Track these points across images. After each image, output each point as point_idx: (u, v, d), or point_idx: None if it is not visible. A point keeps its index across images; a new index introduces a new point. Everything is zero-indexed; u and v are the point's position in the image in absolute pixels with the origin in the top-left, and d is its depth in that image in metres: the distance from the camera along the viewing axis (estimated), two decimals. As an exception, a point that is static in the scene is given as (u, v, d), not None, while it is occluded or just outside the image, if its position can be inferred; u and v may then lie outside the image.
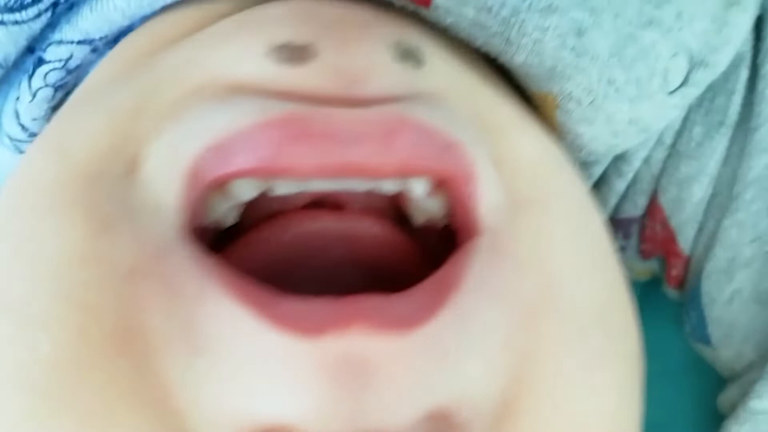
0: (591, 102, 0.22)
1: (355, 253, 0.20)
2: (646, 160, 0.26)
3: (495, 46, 0.22)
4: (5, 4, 0.23)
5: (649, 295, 0.31)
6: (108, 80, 0.21)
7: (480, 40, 0.22)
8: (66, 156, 0.18)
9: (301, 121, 0.17)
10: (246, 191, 0.18)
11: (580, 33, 0.22)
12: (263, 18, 0.20)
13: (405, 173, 0.18)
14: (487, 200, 0.18)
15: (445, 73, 0.19)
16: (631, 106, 0.23)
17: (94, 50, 0.24)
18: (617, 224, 0.27)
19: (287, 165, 0.17)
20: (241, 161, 0.17)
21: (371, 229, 0.20)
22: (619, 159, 0.26)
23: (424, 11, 0.22)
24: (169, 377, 0.16)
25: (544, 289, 0.18)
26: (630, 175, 0.26)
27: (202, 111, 0.18)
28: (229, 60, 0.18)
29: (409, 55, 0.19)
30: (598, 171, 0.26)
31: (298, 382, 0.16)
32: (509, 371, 0.17)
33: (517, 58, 0.22)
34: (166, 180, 0.17)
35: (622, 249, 0.28)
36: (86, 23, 0.23)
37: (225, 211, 0.18)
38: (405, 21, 0.21)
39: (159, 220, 0.17)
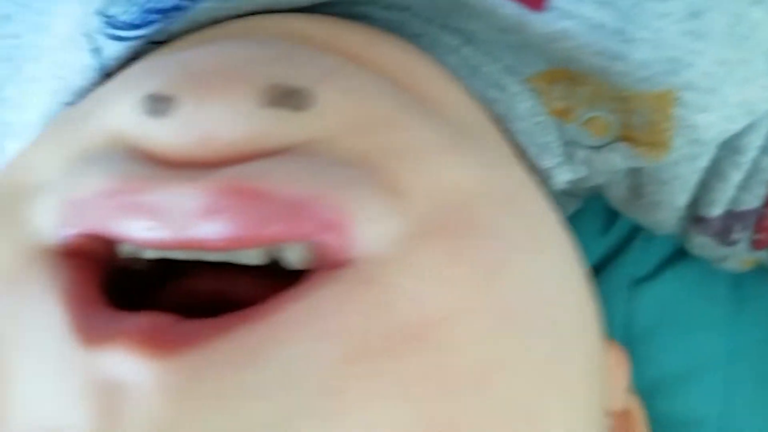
0: (708, 87, 0.22)
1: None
2: (765, 150, 0.25)
3: (610, 51, 0.22)
4: (130, 22, 0.23)
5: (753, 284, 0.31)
6: (57, 121, 0.22)
7: (594, 46, 0.22)
8: (7, 177, 0.20)
9: (133, 193, 0.17)
10: (125, 247, 0.18)
11: (695, 15, 0.22)
12: (142, 68, 0.20)
13: (242, 245, 0.17)
14: (364, 238, 0.17)
15: (338, 111, 0.18)
16: (740, 88, 0.23)
17: None
18: (737, 217, 0.27)
19: (118, 235, 0.17)
20: (77, 226, 0.18)
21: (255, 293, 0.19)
22: (733, 150, 0.25)
23: (533, 16, 0.21)
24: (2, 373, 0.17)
25: (410, 333, 0.16)
26: (746, 166, 0.25)
27: (75, 167, 0.18)
28: (108, 111, 0.19)
29: (286, 98, 0.18)
30: (702, 163, 0.25)
31: (71, 395, 0.16)
32: (317, 418, 0.16)
33: (637, 56, 0.22)
34: (46, 215, 0.18)
35: (736, 242, 0.28)
36: None
37: (130, 258, 0.18)
38: (307, 55, 0.20)
39: (32, 236, 0.18)
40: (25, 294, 0.18)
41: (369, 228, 0.17)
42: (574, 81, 0.24)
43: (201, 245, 0.17)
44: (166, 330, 0.16)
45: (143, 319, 0.16)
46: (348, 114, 0.18)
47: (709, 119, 0.23)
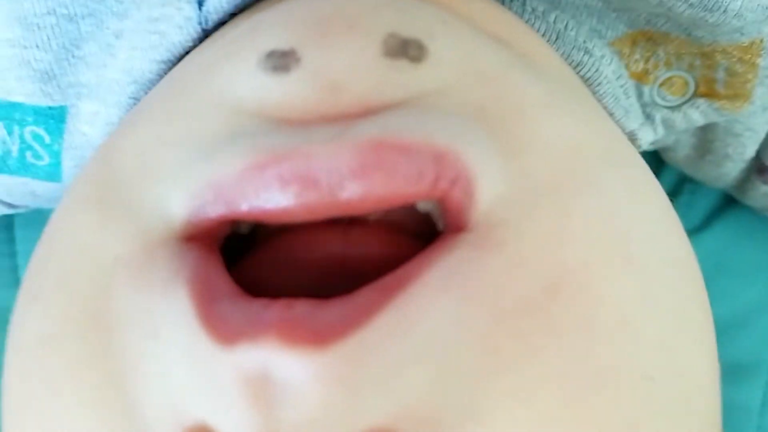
0: None
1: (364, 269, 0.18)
2: None
3: (707, 1, 0.22)
4: None
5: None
6: (161, 94, 0.21)
7: None
8: (109, 166, 0.19)
9: (279, 164, 0.16)
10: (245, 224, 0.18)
11: None
12: (252, 27, 0.19)
13: (394, 203, 0.17)
14: (485, 196, 0.17)
15: (451, 62, 0.18)
16: None
17: None
18: None
19: (257, 209, 0.17)
20: (218, 209, 0.17)
21: (379, 248, 0.19)
22: None
23: None
24: (126, 363, 0.17)
25: (548, 286, 0.17)
26: None
27: (203, 147, 0.18)
28: (225, 78, 0.18)
29: (404, 49, 0.18)
30: None
31: (215, 390, 0.15)
32: (475, 378, 0.16)
33: (733, 5, 0.22)
34: (177, 201, 0.18)
35: None
36: None
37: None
38: (416, 6, 0.19)
39: (155, 223, 0.18)
40: (151, 284, 0.17)
41: (492, 186, 0.17)
42: (655, 41, 0.25)
43: (349, 206, 0.16)
44: (310, 320, 0.15)
45: (281, 311, 0.15)
46: (460, 67, 0.18)
47: None
